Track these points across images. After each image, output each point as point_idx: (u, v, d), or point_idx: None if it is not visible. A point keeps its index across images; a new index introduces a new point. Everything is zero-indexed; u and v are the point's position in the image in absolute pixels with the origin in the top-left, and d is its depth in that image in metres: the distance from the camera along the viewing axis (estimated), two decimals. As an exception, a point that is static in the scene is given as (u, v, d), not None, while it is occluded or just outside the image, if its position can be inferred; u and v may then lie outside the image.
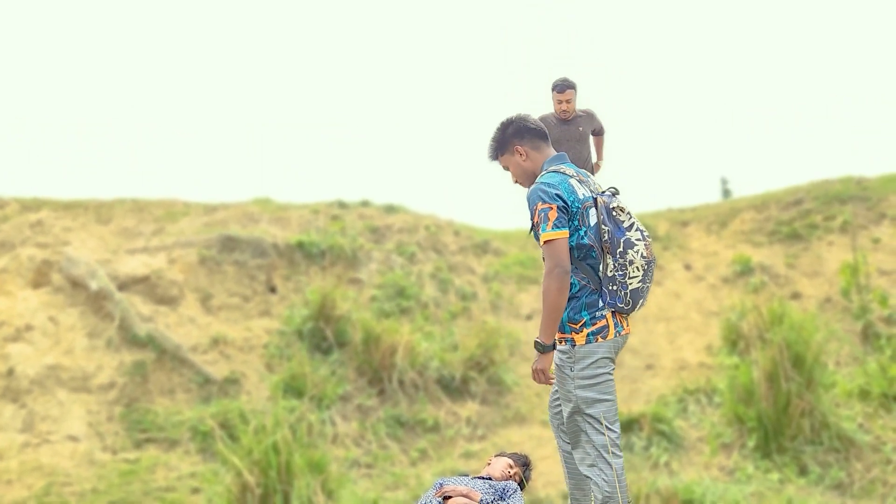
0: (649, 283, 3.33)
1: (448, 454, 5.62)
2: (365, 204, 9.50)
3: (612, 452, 3.27)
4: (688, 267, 9.30)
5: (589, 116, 4.89)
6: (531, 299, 8.54)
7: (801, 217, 9.76)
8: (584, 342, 3.22)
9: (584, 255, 3.31)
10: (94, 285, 6.34)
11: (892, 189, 9.67)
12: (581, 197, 3.42)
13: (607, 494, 3.29)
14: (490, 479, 4.78)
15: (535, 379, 3.40)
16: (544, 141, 3.60)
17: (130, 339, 6.08)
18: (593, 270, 3.32)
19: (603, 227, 3.35)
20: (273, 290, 7.18)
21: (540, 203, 3.30)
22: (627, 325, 3.34)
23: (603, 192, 3.63)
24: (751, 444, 5.24)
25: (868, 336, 6.75)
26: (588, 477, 3.21)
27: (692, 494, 4.29)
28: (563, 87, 4.66)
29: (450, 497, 4.48)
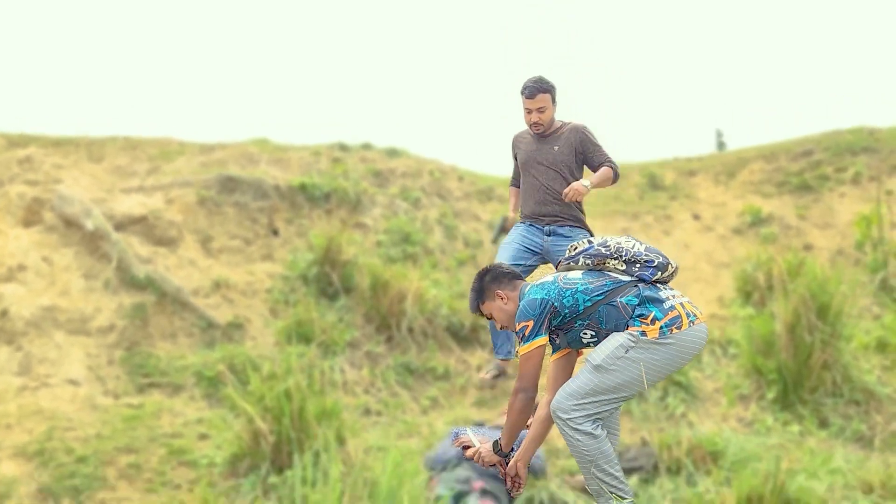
0: (643, 245, 3.22)
1: (459, 402, 5.49)
2: (367, 147, 9.20)
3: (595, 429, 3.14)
4: (696, 217, 9.12)
5: (576, 134, 3.78)
6: (537, 247, 8.36)
7: (811, 168, 9.56)
8: (657, 334, 3.05)
9: (605, 294, 3.16)
10: (89, 225, 6.07)
11: (905, 141, 9.48)
12: (552, 279, 3.32)
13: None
14: (505, 427, 4.64)
15: (476, 458, 3.36)
16: (518, 279, 3.59)
17: (129, 281, 5.85)
18: (618, 283, 3.18)
19: (581, 260, 3.27)
20: (275, 232, 6.94)
21: (518, 323, 3.22)
22: (700, 315, 3.16)
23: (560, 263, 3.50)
24: (770, 395, 5.13)
25: (884, 289, 6.64)
26: (568, 413, 3.08)
27: (715, 446, 4.18)
28: (534, 91, 3.68)
29: (469, 447, 4.36)
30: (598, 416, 3.21)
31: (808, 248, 7.90)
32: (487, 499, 3.70)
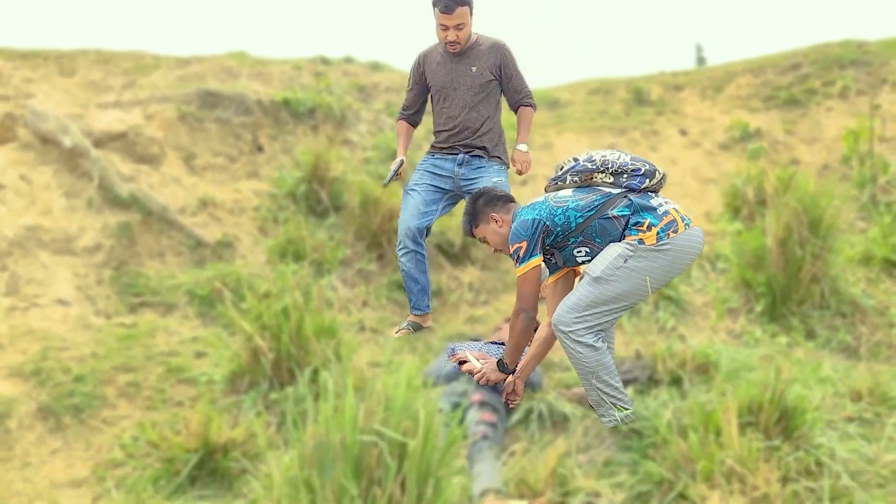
0: (628, 155, 3.23)
1: (452, 319, 5.51)
2: (348, 61, 8.93)
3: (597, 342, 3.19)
4: (683, 132, 9.07)
5: (496, 54, 3.51)
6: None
7: (799, 82, 9.48)
8: (655, 240, 3.07)
9: (596, 208, 3.14)
10: (67, 142, 5.86)
11: (894, 53, 9.39)
12: (542, 199, 3.33)
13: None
14: (502, 344, 4.70)
15: (478, 376, 3.42)
16: (512, 202, 3.53)
17: (112, 199, 5.70)
18: (607, 196, 3.16)
19: (568, 178, 3.24)
20: (260, 149, 6.77)
21: (511, 245, 3.22)
22: (691, 222, 3.16)
23: (548, 183, 3.44)
24: (758, 308, 5.22)
25: (871, 203, 6.70)
26: (570, 326, 3.15)
27: (708, 358, 4.26)
28: (452, 5, 3.30)
29: (464, 362, 4.39)
30: (599, 329, 3.26)
31: (794, 162, 7.90)
32: (486, 410, 3.75)
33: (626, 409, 3.40)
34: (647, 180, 3.12)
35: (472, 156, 3.75)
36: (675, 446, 3.03)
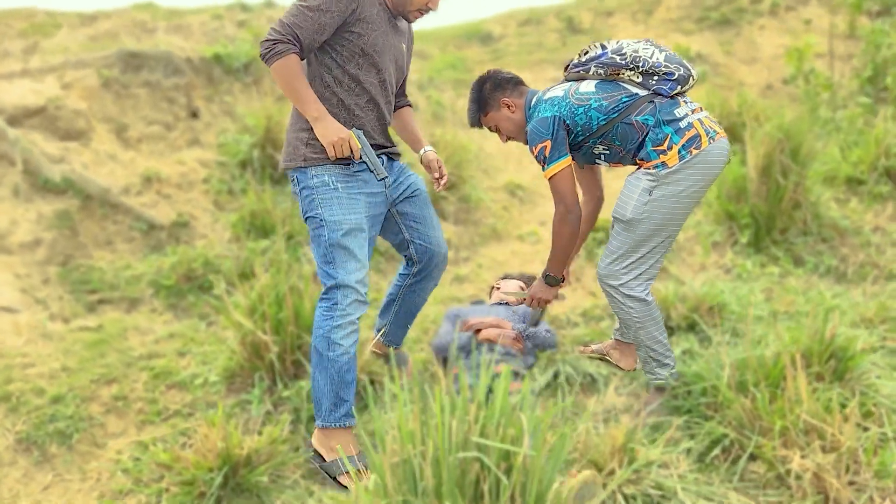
0: (666, 48, 3.08)
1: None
2: (269, 5, 8.26)
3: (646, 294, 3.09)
4: (624, 61, 8.95)
5: (410, 31, 3.02)
6: (473, 105, 7.96)
7: (728, 1, 9.48)
8: (677, 160, 2.94)
9: (620, 111, 2.97)
10: (-24, 123, 5.12)
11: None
12: (562, 93, 3.08)
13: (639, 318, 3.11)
14: (507, 304, 4.48)
15: (529, 302, 3.23)
16: (522, 84, 3.24)
17: (42, 185, 5.04)
18: (635, 99, 3.00)
19: (593, 69, 3.03)
20: (195, 114, 6.15)
21: (534, 147, 2.95)
22: (720, 129, 3.03)
23: (566, 66, 3.24)
24: (743, 240, 5.21)
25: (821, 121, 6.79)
26: (618, 279, 3.04)
27: (716, 299, 4.20)
28: None
29: (479, 330, 4.14)
30: (649, 277, 3.11)
31: (739, 84, 7.93)
32: (514, 380, 3.56)
33: (670, 364, 3.30)
34: (679, 86, 2.94)
35: (392, 160, 3.06)
36: (739, 403, 2.92)
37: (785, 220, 5.16)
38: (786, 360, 2.90)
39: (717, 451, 2.94)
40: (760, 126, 5.18)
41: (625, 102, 2.93)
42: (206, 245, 5.01)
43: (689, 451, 2.99)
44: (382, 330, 3.54)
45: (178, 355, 4.14)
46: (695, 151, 2.89)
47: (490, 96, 3.07)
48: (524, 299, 4.57)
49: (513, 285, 4.61)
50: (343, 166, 2.80)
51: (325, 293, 2.85)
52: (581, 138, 2.98)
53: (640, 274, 3.10)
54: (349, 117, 2.76)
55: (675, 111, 2.93)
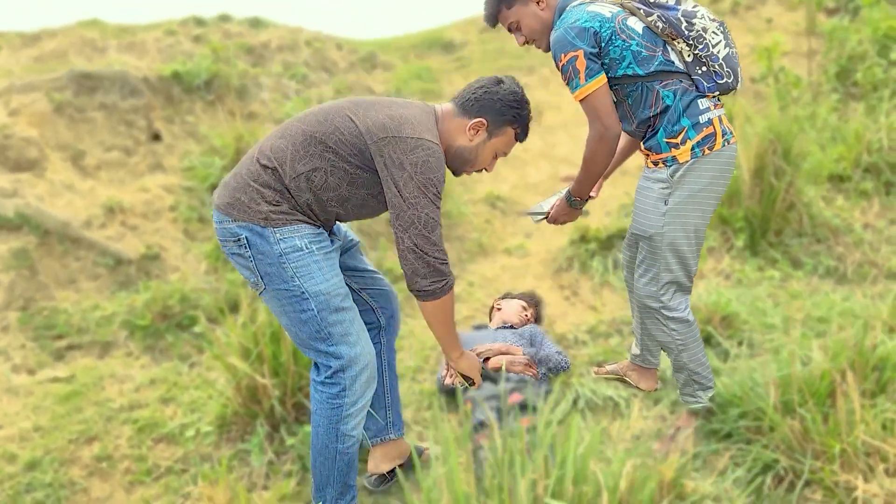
0: (734, 45, 2.85)
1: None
2: (225, 19, 7.87)
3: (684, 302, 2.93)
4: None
5: None
6: (443, 116, 7.72)
7: (687, 2, 9.46)
8: (689, 157, 2.74)
9: (651, 73, 2.74)
10: (-84, 157, 4.66)
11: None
12: (609, 15, 2.76)
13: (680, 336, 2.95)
14: (512, 326, 4.25)
15: (551, 221, 2.99)
16: None
17: (-6, 222, 4.62)
18: (670, 72, 2.76)
19: (650, 18, 2.76)
20: (157, 136, 5.76)
21: (562, 55, 2.63)
22: (734, 135, 2.88)
23: None
24: (739, 244, 5.10)
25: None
26: (659, 301, 2.91)
27: (728, 309, 4.05)
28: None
29: (488, 358, 3.90)
30: (686, 289, 2.91)
31: (709, 85, 7.88)
32: (527, 414, 3.32)
33: (711, 387, 3.13)
34: (718, 92, 2.73)
35: None
36: (787, 425, 2.75)
37: (779, 221, 5.08)
38: (835, 376, 2.74)
39: (768, 478, 2.76)
40: (752, 127, 5.08)
41: (659, 65, 2.68)
42: (181, 279, 4.65)
43: (736, 479, 2.80)
44: (387, 440, 2.93)
45: (162, 403, 3.79)
46: (708, 152, 2.70)
47: None
48: (526, 319, 4.36)
49: (515, 306, 4.39)
50: (311, 225, 2.34)
51: (328, 377, 2.37)
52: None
53: (678, 289, 2.92)
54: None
55: (699, 101, 2.72)
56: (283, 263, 2.31)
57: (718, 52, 2.70)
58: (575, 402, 3.64)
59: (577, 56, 2.55)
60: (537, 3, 2.71)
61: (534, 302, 4.46)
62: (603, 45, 2.62)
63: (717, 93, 2.73)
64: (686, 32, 2.69)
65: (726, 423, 3.06)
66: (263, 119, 6.15)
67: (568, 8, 2.71)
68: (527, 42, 2.80)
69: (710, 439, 3.08)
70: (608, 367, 3.80)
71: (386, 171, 2.28)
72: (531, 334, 4.13)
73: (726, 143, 2.73)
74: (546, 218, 3.10)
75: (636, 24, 2.67)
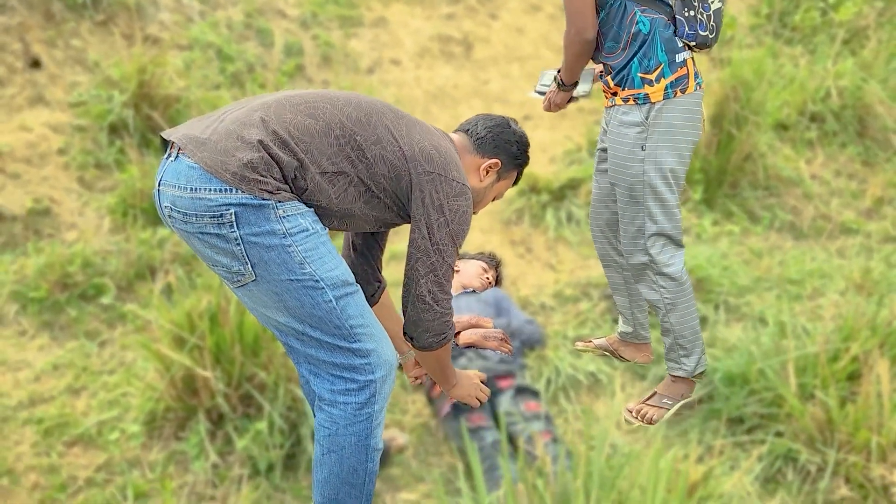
0: (723, 8, 2.61)
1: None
2: (108, -79, 6.72)
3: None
4: (515, -5, 8.29)
5: None
6: (365, 47, 7.04)
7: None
8: (661, 97, 2.53)
9: None
10: None
11: None
12: None
13: (674, 289, 2.76)
14: (473, 291, 3.90)
15: (545, 108, 2.78)
16: None
17: None
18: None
19: None
20: (36, 63, 4.82)
21: None
22: (703, 82, 2.66)
23: None
24: (696, 197, 4.89)
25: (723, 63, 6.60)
26: (648, 254, 2.71)
27: (701, 271, 3.84)
28: None
29: (458, 332, 3.54)
30: (676, 240, 2.69)
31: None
32: (529, 398, 3.00)
33: (698, 354, 2.90)
34: (695, 44, 2.47)
35: None
36: (808, 412, 2.53)
37: (735, 173, 4.90)
38: (859, 356, 2.52)
39: (790, 472, 2.55)
40: (713, 73, 4.81)
41: None
42: (80, 239, 3.92)
43: (749, 472, 2.57)
44: None
45: (71, 395, 3.15)
46: (680, 94, 2.49)
47: None
48: (488, 283, 3.97)
49: (475, 268, 3.99)
50: (308, 202, 1.89)
51: (353, 383, 1.92)
52: None
53: (668, 242, 2.67)
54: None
55: (676, 41, 2.45)
56: (289, 246, 1.79)
57: (711, 3, 2.46)
58: (556, 375, 3.32)
59: None
60: None
61: (494, 263, 4.07)
62: None
63: (694, 43, 2.46)
64: None
65: (732, 405, 2.83)
66: (165, 46, 5.29)
67: None
68: None
69: (711, 420, 2.84)
70: (595, 343, 3.51)
71: (422, 209, 1.93)
72: (496, 300, 3.75)
73: (698, 87, 2.52)
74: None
75: None
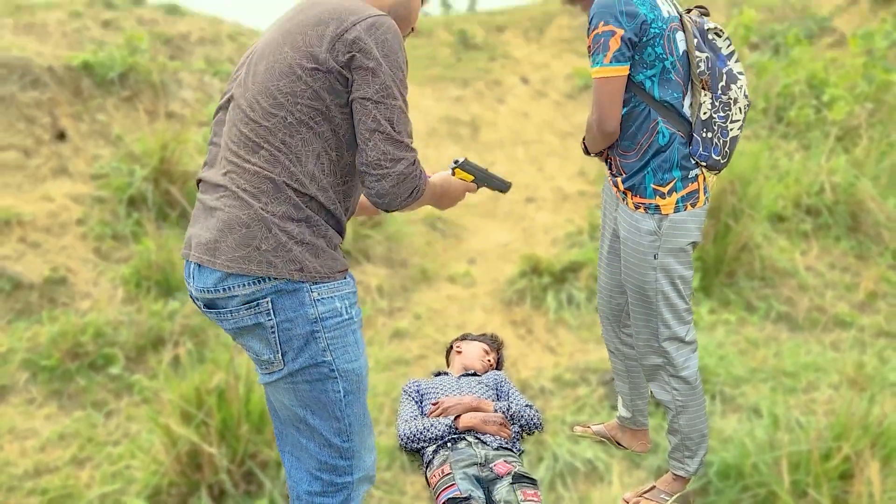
0: (739, 125, 2.73)
1: (376, 339, 4.59)
2: (138, 3, 7.11)
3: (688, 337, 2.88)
4: (525, 81, 8.64)
5: None
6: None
7: (618, 25, 9.47)
8: (672, 210, 2.63)
9: (661, 101, 2.58)
10: None
11: (699, -4, 9.73)
12: (666, 15, 2.56)
13: (686, 384, 2.87)
14: (475, 373, 3.99)
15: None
16: None
17: None
18: (677, 112, 2.61)
19: (698, 54, 2.58)
20: (62, 136, 5.04)
21: (602, 24, 2.42)
22: (710, 196, 2.78)
23: (688, 9, 2.81)
24: (694, 284, 4.99)
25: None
26: (663, 356, 2.81)
27: (699, 360, 3.90)
28: None
29: (458, 416, 3.61)
30: (690, 341, 2.81)
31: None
32: (526, 486, 3.03)
33: (701, 458, 2.95)
34: (707, 166, 2.57)
35: None
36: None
37: (732, 262, 5.03)
38: (851, 457, 2.59)
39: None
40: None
41: (674, 100, 2.48)
42: (94, 308, 4.02)
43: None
44: None
45: (75, 466, 3.20)
46: (690, 208, 2.59)
47: None
48: (489, 365, 4.05)
49: (476, 350, 4.08)
50: (348, 275, 1.89)
51: (333, 487, 1.92)
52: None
53: (681, 344, 2.76)
54: (341, 220, 1.92)
55: (690, 158, 2.56)
56: (317, 333, 1.82)
57: (731, 130, 2.56)
58: (554, 463, 3.37)
59: (616, 34, 2.33)
60: None
61: (496, 346, 4.17)
62: (644, 39, 2.38)
63: (705, 165, 2.56)
64: (717, 92, 2.50)
65: (726, 499, 2.87)
66: (187, 122, 5.53)
67: None
68: (572, 1, 2.56)
69: (710, 516, 2.88)
70: (594, 429, 3.57)
71: (349, 72, 1.81)
72: (496, 383, 3.82)
73: (706, 201, 2.64)
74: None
75: (681, 43, 2.45)
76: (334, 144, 1.82)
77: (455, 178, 2.16)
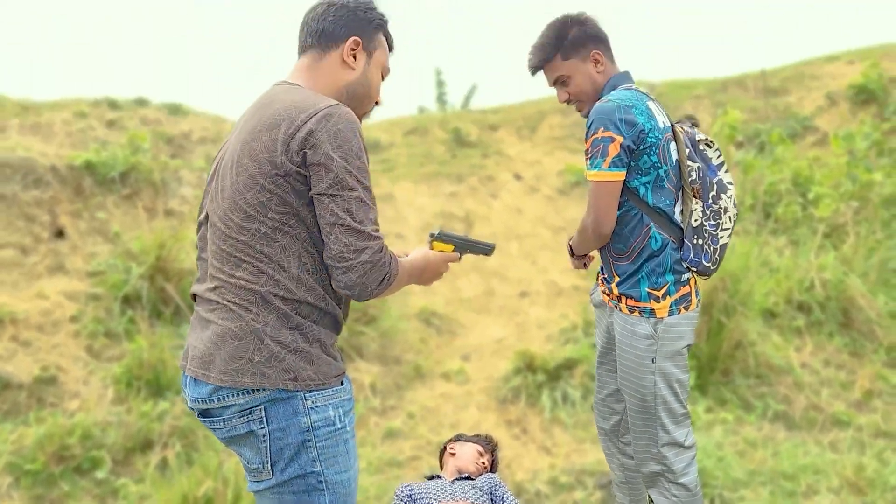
0: (728, 234, 2.80)
1: (368, 440, 4.51)
2: (141, 103, 7.33)
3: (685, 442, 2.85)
4: (518, 177, 8.83)
5: None
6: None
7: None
8: (666, 314, 2.65)
9: (655, 207, 2.64)
10: None
11: (685, 95, 10.09)
12: (661, 125, 2.66)
13: (687, 488, 2.82)
14: (469, 477, 3.90)
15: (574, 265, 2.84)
16: (611, 52, 2.81)
17: None
18: (669, 219, 2.67)
19: (690, 163, 2.67)
20: (60, 233, 5.09)
21: (602, 130, 2.50)
22: (701, 297, 2.81)
23: (678, 120, 2.91)
24: (690, 383, 4.97)
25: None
26: (662, 463, 2.77)
27: (697, 462, 3.83)
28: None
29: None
30: (689, 447, 2.77)
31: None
32: None
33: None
34: (696, 271, 2.61)
35: None
36: None
37: (727, 360, 5.02)
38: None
39: None
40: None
41: (666, 207, 2.53)
42: (82, 408, 3.96)
43: None
44: None
45: (54, 578, 3.08)
46: (683, 311, 2.60)
47: (581, 41, 2.55)
48: (483, 467, 3.97)
49: (471, 453, 4.00)
50: (344, 380, 1.87)
51: None
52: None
53: (680, 449, 2.72)
54: (335, 314, 1.89)
55: (682, 263, 2.60)
56: (308, 442, 1.80)
57: (720, 238, 2.63)
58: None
59: (616, 141, 2.38)
60: (595, 63, 2.53)
61: (490, 447, 4.09)
62: (641, 147, 2.46)
63: (696, 270, 2.61)
64: (708, 201, 2.57)
65: None
66: (185, 219, 5.61)
67: (622, 86, 2.54)
68: (569, 101, 2.63)
69: None
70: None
71: (305, 168, 1.82)
72: (491, 487, 3.73)
73: (698, 306, 2.67)
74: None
75: (674, 153, 2.54)
76: (312, 242, 1.83)
77: (434, 251, 2.13)
